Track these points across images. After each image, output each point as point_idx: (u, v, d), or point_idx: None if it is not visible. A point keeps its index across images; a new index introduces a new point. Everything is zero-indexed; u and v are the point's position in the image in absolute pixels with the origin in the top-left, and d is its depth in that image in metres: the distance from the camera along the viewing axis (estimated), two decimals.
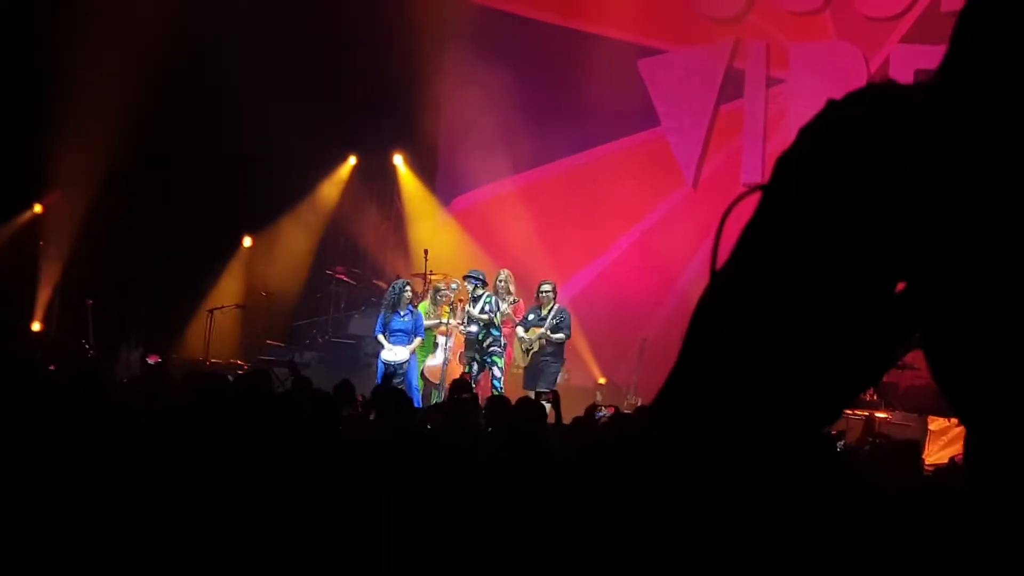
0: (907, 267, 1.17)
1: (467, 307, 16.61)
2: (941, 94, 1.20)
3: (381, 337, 16.54)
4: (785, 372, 1.17)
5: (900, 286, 1.20)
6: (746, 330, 1.18)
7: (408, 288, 16.77)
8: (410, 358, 16.46)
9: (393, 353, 16.37)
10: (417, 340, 16.52)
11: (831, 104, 1.24)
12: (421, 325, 16.62)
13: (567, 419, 11.10)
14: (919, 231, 1.15)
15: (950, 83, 1.20)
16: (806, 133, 1.23)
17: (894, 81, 1.24)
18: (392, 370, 16.15)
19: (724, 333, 1.21)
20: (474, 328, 16.41)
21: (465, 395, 11.40)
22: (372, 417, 10.17)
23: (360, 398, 11.53)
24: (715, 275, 1.26)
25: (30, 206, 20.00)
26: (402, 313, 16.54)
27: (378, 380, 15.55)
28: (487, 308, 16.42)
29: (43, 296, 19.74)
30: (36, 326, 19.59)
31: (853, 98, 1.23)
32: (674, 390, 1.25)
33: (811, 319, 1.16)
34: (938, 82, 1.21)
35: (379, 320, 16.77)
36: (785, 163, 1.24)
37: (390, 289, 17.06)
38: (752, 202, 1.27)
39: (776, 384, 1.17)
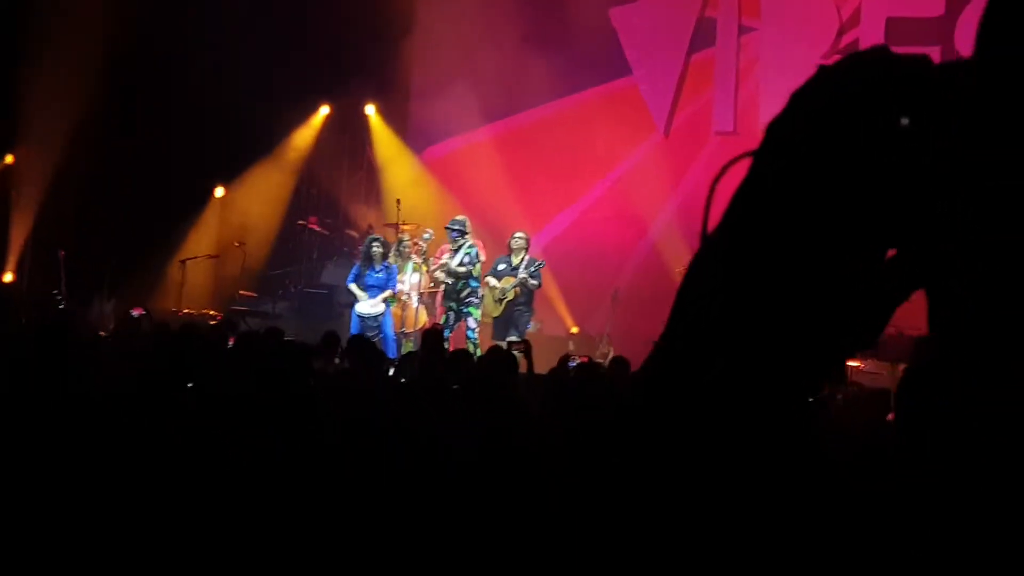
0: (902, 238, 1.18)
1: (444, 258, 16.57)
2: (942, 71, 1.21)
3: (354, 287, 16.57)
4: (773, 337, 1.18)
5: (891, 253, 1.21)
6: (734, 295, 1.19)
7: (376, 243, 16.78)
8: (385, 310, 16.50)
9: (369, 305, 16.41)
10: (388, 292, 16.54)
11: (823, 70, 1.25)
12: (395, 280, 16.65)
13: (540, 369, 11.14)
14: (917, 206, 1.16)
15: (955, 67, 1.21)
16: (798, 99, 1.24)
17: (887, 48, 1.24)
18: (368, 322, 16.20)
19: (712, 298, 1.21)
20: (450, 280, 16.40)
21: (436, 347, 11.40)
22: (347, 366, 10.17)
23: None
24: (704, 241, 1.26)
25: (1, 157, 19.86)
26: (376, 268, 16.58)
27: (352, 331, 15.59)
28: (466, 260, 16.38)
29: (15, 247, 19.64)
30: (8, 277, 19.50)
31: (846, 64, 1.24)
32: (659, 355, 1.26)
33: (801, 285, 1.17)
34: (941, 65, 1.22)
35: (352, 271, 16.81)
36: (776, 129, 1.23)
37: (363, 244, 17.12)
38: (741, 168, 1.27)
39: (763, 348, 1.18)
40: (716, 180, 1.33)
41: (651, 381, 1.25)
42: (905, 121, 1.16)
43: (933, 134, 1.15)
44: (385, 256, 16.78)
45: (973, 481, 1.13)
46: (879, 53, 1.25)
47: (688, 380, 1.20)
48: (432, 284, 16.99)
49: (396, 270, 16.79)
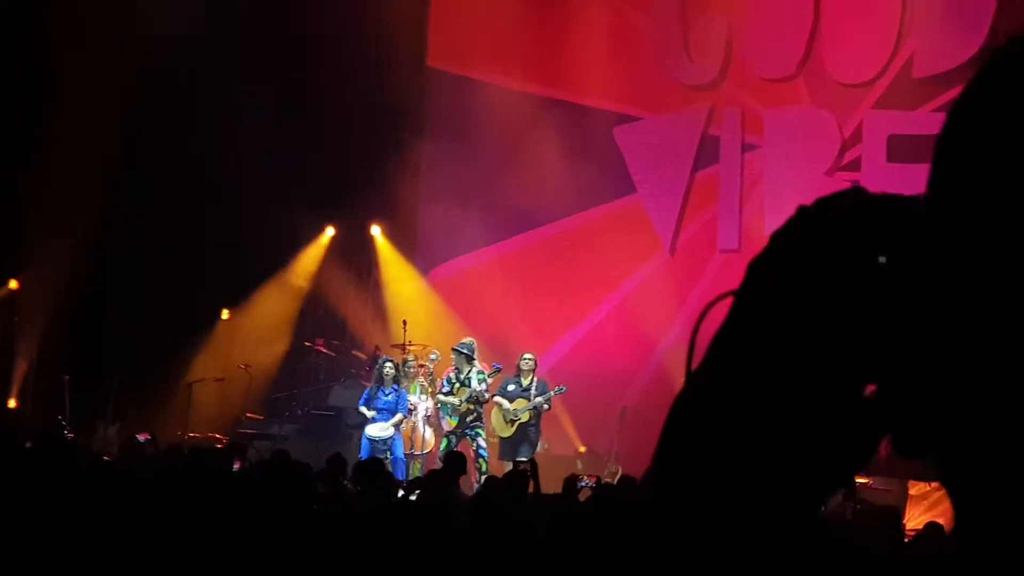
0: (881, 371, 1.19)
1: (464, 387, 16.52)
2: (922, 204, 1.22)
3: (364, 409, 16.62)
4: (763, 465, 1.18)
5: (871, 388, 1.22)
6: (722, 425, 1.20)
7: (389, 365, 16.86)
8: (395, 432, 16.49)
9: (379, 429, 16.42)
10: (399, 417, 16.54)
11: (801, 210, 1.26)
12: (405, 403, 16.66)
13: (548, 488, 11.07)
14: (888, 343, 1.17)
15: (932, 198, 1.22)
16: (777, 238, 1.25)
17: (863, 189, 1.27)
18: (377, 445, 16.23)
19: (699, 428, 1.22)
20: (472, 405, 16.41)
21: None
22: (356, 490, 10.12)
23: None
24: (690, 376, 1.28)
25: (5, 283, 19.91)
26: (386, 391, 16.61)
27: (362, 455, 15.54)
28: (483, 387, 16.44)
29: (19, 372, 19.62)
30: (12, 403, 19.46)
31: (825, 203, 1.25)
32: (654, 482, 1.26)
33: (785, 417, 1.18)
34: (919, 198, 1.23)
35: (365, 393, 16.91)
36: (756, 267, 1.25)
37: (376, 366, 17.20)
38: (724, 306, 1.29)
39: (755, 475, 1.18)
40: (700, 319, 1.35)
41: (653, 519, 1.24)
42: (880, 260, 1.17)
43: (902, 274, 1.16)
44: (396, 378, 16.80)
45: None
46: (855, 192, 1.27)
47: (683, 506, 1.20)
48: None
49: (406, 393, 16.80)
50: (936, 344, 1.13)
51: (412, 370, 17.23)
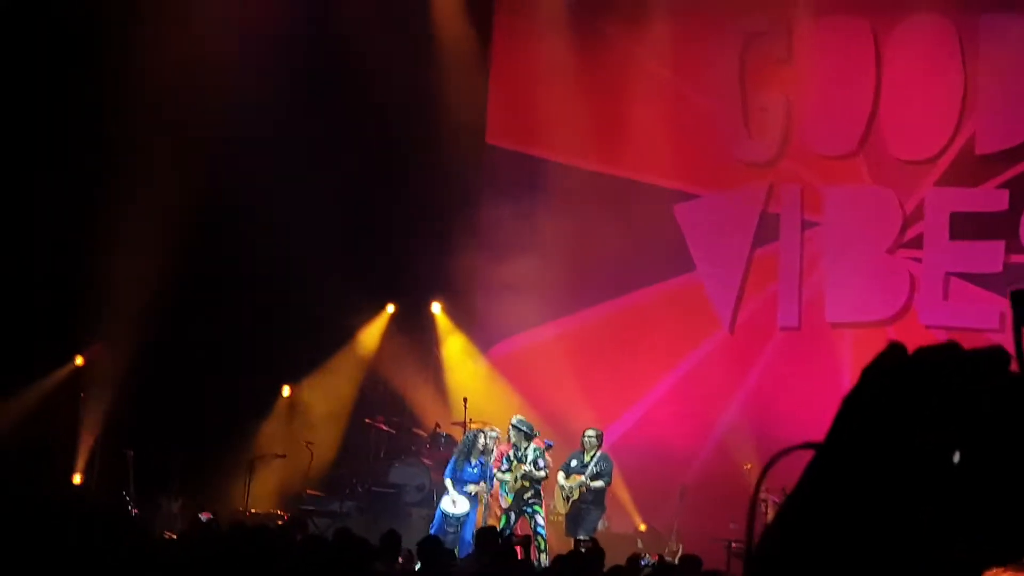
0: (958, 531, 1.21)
1: (525, 466, 16.47)
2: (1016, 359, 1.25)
3: (448, 482, 16.49)
4: None
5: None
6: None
7: (481, 437, 16.75)
8: (470, 509, 16.34)
9: (454, 505, 16.28)
10: (481, 486, 16.44)
11: (893, 346, 1.28)
12: (491, 478, 16.57)
13: (610, 566, 11.01)
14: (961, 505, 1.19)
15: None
16: (869, 375, 1.27)
17: (956, 346, 1.28)
18: (449, 521, 16.07)
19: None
20: (527, 483, 16.38)
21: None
22: (410, 567, 10.12)
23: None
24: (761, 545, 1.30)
25: (72, 358, 20.12)
26: (472, 463, 16.50)
27: (432, 529, 15.48)
28: (541, 464, 16.40)
29: (84, 448, 19.77)
30: (77, 478, 19.60)
31: (924, 350, 1.27)
32: None
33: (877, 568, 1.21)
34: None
35: (451, 463, 16.77)
36: (849, 407, 1.27)
37: (464, 438, 17.14)
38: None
39: None
40: (763, 474, 1.36)
41: None
42: (955, 456, 1.18)
43: (972, 436, 1.18)
44: (484, 451, 16.68)
45: None
46: (951, 346, 1.28)
47: None
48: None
49: (492, 469, 16.70)
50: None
51: (484, 446, 17.18)
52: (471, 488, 16.40)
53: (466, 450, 16.70)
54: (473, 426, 18.14)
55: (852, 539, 1.19)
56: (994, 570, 1.19)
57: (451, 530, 15.64)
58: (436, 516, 16.42)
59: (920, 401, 1.20)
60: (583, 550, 11.88)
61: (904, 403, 1.20)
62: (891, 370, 1.24)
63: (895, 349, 1.26)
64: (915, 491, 1.18)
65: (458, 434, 18.05)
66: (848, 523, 1.20)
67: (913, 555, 1.17)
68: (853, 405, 1.25)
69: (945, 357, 1.24)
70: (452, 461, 16.79)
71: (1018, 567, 1.21)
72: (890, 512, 1.18)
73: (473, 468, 16.47)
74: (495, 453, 16.90)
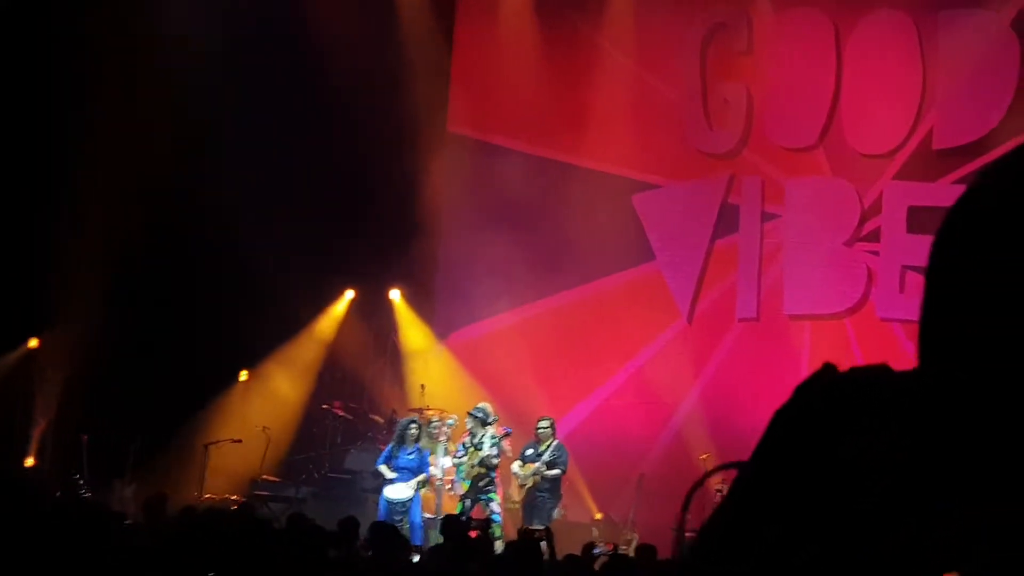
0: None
1: (481, 453, 16.50)
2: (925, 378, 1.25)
3: (384, 468, 16.53)
4: None
5: None
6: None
7: (414, 425, 16.84)
8: (415, 495, 16.40)
9: (396, 491, 16.33)
10: (421, 477, 16.49)
11: (827, 366, 1.30)
12: (427, 464, 16.62)
13: (565, 555, 11.01)
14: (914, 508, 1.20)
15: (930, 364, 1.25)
16: (801, 391, 1.29)
17: (888, 366, 1.29)
18: (395, 507, 16.11)
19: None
20: (482, 470, 16.40)
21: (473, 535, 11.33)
22: (366, 553, 10.08)
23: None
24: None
25: (25, 341, 19.99)
26: (408, 450, 16.55)
27: (380, 516, 15.50)
28: (495, 452, 16.44)
29: (37, 431, 19.64)
30: (29, 461, 19.47)
31: (857, 369, 1.29)
32: None
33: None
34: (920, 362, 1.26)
35: (385, 452, 16.83)
36: (778, 420, 1.29)
37: (398, 425, 17.17)
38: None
39: None
40: (690, 494, 1.38)
41: None
42: (847, 451, 1.19)
43: (885, 455, 1.18)
44: (419, 439, 16.77)
45: None
46: (880, 368, 1.29)
47: None
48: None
49: (428, 454, 16.78)
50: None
51: (436, 431, 17.23)
52: (416, 479, 16.43)
53: (399, 438, 16.76)
54: (429, 413, 18.15)
55: (771, 551, 1.20)
56: None
57: (398, 518, 15.64)
58: (380, 505, 16.42)
59: (847, 417, 1.20)
60: (537, 539, 11.85)
61: (830, 418, 1.21)
62: (822, 388, 1.25)
63: (828, 369, 1.27)
64: (835, 504, 1.19)
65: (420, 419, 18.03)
66: (768, 534, 1.21)
67: (831, 568, 1.18)
68: (781, 419, 1.27)
69: (876, 376, 1.24)
70: (388, 449, 16.85)
71: None
72: (808, 524, 1.19)
73: (410, 455, 16.53)
74: (443, 439, 17.03)
